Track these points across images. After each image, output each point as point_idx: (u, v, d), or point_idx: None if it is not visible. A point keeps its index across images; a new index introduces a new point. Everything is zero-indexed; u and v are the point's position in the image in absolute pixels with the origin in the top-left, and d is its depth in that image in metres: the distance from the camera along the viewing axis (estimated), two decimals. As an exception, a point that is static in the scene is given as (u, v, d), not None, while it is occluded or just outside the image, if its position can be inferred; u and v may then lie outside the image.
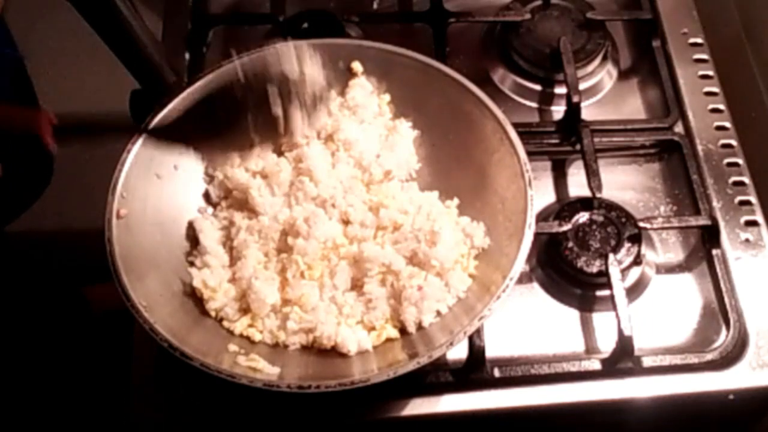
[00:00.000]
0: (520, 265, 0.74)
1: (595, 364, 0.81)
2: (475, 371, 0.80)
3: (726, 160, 0.94)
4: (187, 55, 1.01)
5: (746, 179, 0.93)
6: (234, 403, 0.78)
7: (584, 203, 0.88)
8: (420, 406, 0.79)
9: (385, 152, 0.85)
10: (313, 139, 0.86)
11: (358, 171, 0.85)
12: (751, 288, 0.86)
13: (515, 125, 0.81)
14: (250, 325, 0.78)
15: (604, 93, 1.02)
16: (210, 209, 0.85)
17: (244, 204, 0.83)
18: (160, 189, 0.82)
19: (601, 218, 0.87)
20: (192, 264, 0.80)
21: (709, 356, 0.82)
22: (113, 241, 0.75)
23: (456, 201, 0.84)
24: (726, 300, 0.84)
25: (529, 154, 0.80)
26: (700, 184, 0.92)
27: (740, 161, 0.94)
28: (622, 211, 0.88)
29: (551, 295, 0.87)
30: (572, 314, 0.86)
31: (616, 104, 1.01)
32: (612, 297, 0.81)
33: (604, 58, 1.02)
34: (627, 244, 0.86)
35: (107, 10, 0.75)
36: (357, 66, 0.88)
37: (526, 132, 0.88)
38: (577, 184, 0.93)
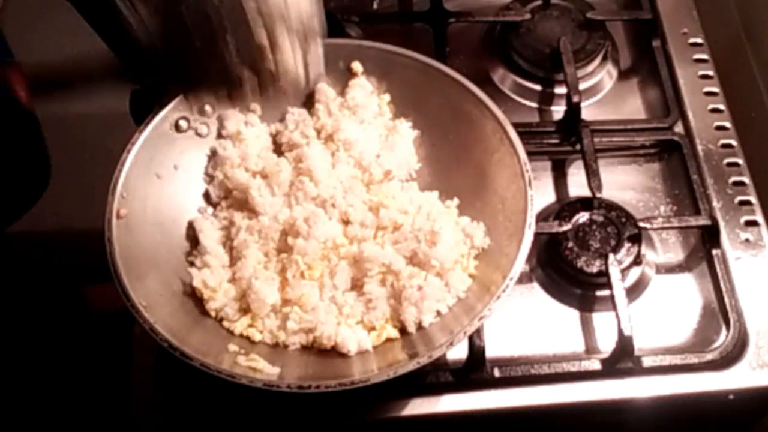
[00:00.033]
0: (520, 265, 0.74)
1: (595, 364, 0.81)
2: (475, 371, 0.80)
3: (726, 160, 0.94)
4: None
5: (746, 179, 0.93)
6: (234, 403, 0.78)
7: (584, 203, 0.88)
8: (420, 406, 0.79)
9: (385, 152, 0.85)
10: (313, 139, 0.86)
11: (358, 171, 0.85)
12: (751, 288, 0.86)
13: (515, 125, 0.81)
14: (250, 325, 0.78)
15: (604, 93, 1.02)
16: (210, 209, 0.85)
17: (244, 204, 0.83)
18: (160, 189, 0.82)
19: (601, 218, 0.87)
20: (192, 264, 0.80)
21: (709, 356, 0.82)
22: (113, 241, 0.75)
23: (456, 201, 0.84)
24: (726, 300, 0.84)
25: (529, 154, 0.80)
26: (700, 184, 0.92)
27: (740, 161, 0.94)
28: (622, 211, 0.88)
29: (551, 295, 0.87)
30: (572, 314, 0.86)
31: (616, 104, 1.01)
32: (612, 297, 0.81)
33: (604, 58, 1.02)
34: (627, 244, 0.86)
35: (107, 10, 0.75)
36: (357, 66, 0.88)
37: (526, 132, 0.88)
38: (577, 184, 0.93)
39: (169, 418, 0.79)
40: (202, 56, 0.72)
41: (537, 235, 0.77)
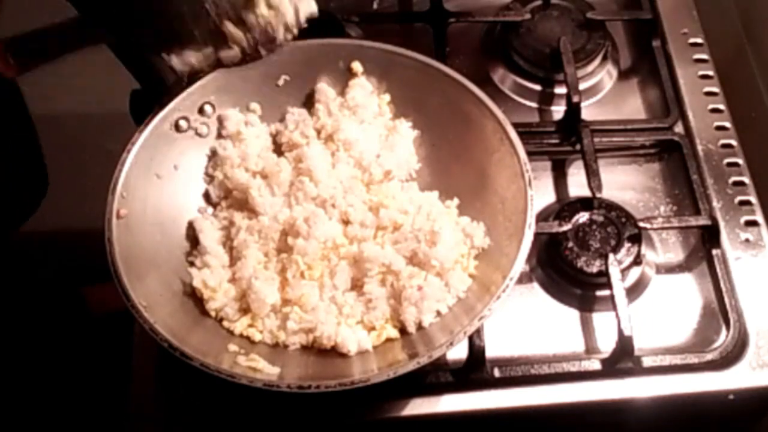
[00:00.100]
0: (520, 265, 0.74)
1: (595, 364, 0.81)
2: (475, 371, 0.80)
3: (726, 160, 0.94)
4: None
5: (746, 179, 0.93)
6: (234, 403, 0.78)
7: (584, 203, 0.88)
8: (420, 406, 0.79)
9: (385, 152, 0.85)
10: (313, 139, 0.86)
11: (358, 171, 0.85)
12: (751, 288, 0.86)
13: (515, 125, 0.81)
14: (250, 325, 0.78)
15: (604, 93, 1.02)
16: (210, 209, 0.85)
17: (244, 204, 0.83)
18: (160, 189, 0.82)
19: (601, 218, 0.87)
20: (192, 264, 0.80)
21: (709, 356, 0.82)
22: (113, 241, 0.75)
23: (456, 201, 0.84)
24: (726, 300, 0.84)
25: (529, 154, 0.80)
26: (700, 184, 0.92)
27: (740, 161, 0.94)
28: (622, 211, 0.88)
29: (551, 295, 0.87)
30: (572, 314, 0.86)
31: (616, 104, 1.01)
32: (612, 297, 0.81)
33: (604, 58, 1.02)
34: (627, 244, 0.86)
35: (107, 10, 0.75)
36: (357, 66, 0.88)
37: (526, 132, 0.88)
38: (577, 184, 0.93)
39: (169, 418, 0.79)
40: (185, 16, 0.70)
41: (537, 235, 0.77)
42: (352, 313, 0.78)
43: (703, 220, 0.88)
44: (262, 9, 0.70)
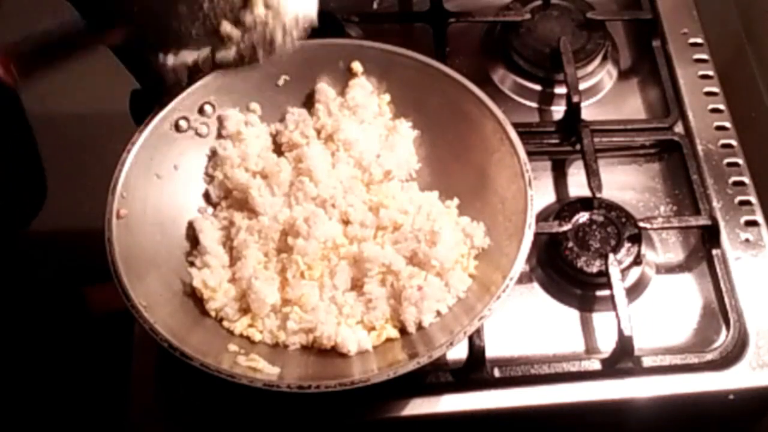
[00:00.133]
0: (520, 265, 0.74)
1: (595, 364, 0.81)
2: (475, 371, 0.80)
3: (726, 160, 0.94)
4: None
5: (746, 179, 0.93)
6: (234, 403, 0.78)
7: (584, 203, 0.88)
8: (420, 406, 0.79)
9: (385, 152, 0.85)
10: (313, 139, 0.86)
11: (358, 171, 0.85)
12: (751, 288, 0.86)
13: (515, 125, 0.81)
14: (250, 325, 0.78)
15: (604, 93, 1.02)
16: (210, 209, 0.85)
17: (244, 204, 0.83)
18: (160, 189, 0.82)
19: (601, 218, 0.87)
20: (192, 264, 0.80)
21: (709, 356, 0.82)
22: (113, 241, 0.75)
23: (456, 201, 0.84)
24: (726, 300, 0.84)
25: (529, 154, 0.80)
26: (700, 184, 0.92)
27: (740, 161, 0.94)
28: (622, 211, 0.88)
29: (551, 295, 0.87)
30: (572, 314, 0.86)
31: (616, 104, 1.01)
32: (612, 297, 0.81)
33: (604, 58, 1.02)
34: (627, 244, 0.86)
35: (106, 10, 0.75)
36: (357, 66, 0.88)
37: (526, 132, 0.88)
38: (577, 184, 0.93)
39: (169, 418, 0.79)
40: (182, 16, 0.70)
41: (537, 235, 0.77)
42: (352, 313, 0.77)
43: (703, 220, 0.88)
44: (260, 9, 0.70)
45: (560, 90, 0.99)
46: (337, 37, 0.97)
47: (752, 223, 0.90)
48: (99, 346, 1.31)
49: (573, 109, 0.94)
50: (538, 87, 1.01)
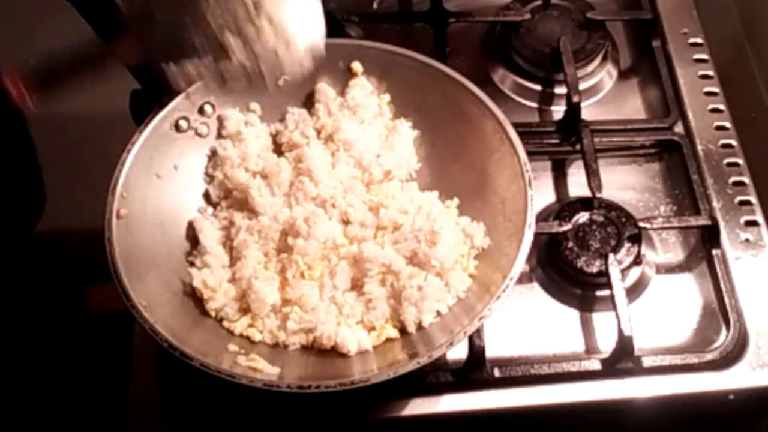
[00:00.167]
0: (520, 265, 0.74)
1: (595, 364, 0.81)
2: (475, 371, 0.80)
3: (726, 160, 0.94)
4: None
5: (746, 179, 0.93)
6: (234, 403, 0.78)
7: (584, 203, 0.88)
8: (420, 406, 0.79)
9: (385, 152, 0.85)
10: (313, 139, 0.86)
11: (358, 171, 0.85)
12: (751, 288, 0.86)
13: (515, 125, 0.81)
14: (250, 325, 0.78)
15: (604, 93, 1.02)
16: (210, 209, 0.85)
17: (244, 204, 0.83)
18: (160, 189, 0.82)
19: (601, 218, 0.87)
20: (192, 264, 0.80)
21: (709, 356, 0.82)
22: (113, 241, 0.75)
23: (456, 201, 0.84)
24: (726, 300, 0.84)
25: (529, 154, 0.80)
26: (700, 184, 0.92)
27: (740, 161, 0.94)
28: (622, 211, 0.88)
29: (551, 295, 0.87)
30: (572, 314, 0.86)
31: (616, 104, 1.01)
32: (612, 297, 0.81)
33: (604, 58, 1.02)
34: (627, 244, 0.86)
35: (107, 10, 0.75)
36: (357, 66, 0.88)
37: (526, 132, 0.88)
38: (577, 184, 0.93)
39: (169, 418, 0.79)
40: (186, 25, 0.70)
41: (537, 235, 0.77)
42: (352, 313, 0.78)
43: (703, 220, 0.88)
44: (263, 22, 0.70)
45: (560, 90, 0.99)
46: (337, 37, 0.97)
47: (752, 223, 0.90)
48: (99, 346, 1.31)
49: (573, 109, 0.94)
50: (538, 87, 1.01)
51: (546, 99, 1.00)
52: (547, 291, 0.87)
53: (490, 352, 0.80)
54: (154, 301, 0.74)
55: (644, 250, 0.87)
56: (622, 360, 0.80)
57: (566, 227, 0.86)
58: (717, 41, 1.04)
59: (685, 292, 0.88)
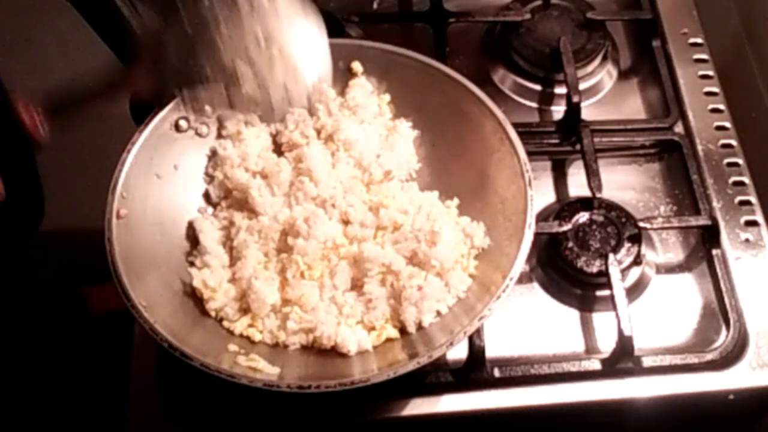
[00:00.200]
0: (520, 265, 0.74)
1: (595, 364, 0.81)
2: (475, 371, 0.80)
3: (726, 160, 0.94)
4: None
5: (746, 179, 0.93)
6: (234, 403, 0.78)
7: (584, 203, 0.88)
8: (420, 406, 0.79)
9: (385, 152, 0.85)
10: (313, 139, 0.86)
11: (358, 171, 0.85)
12: (751, 288, 0.86)
13: (515, 125, 0.81)
14: (250, 325, 0.78)
15: (604, 93, 1.02)
16: (210, 209, 0.85)
17: (244, 204, 0.83)
18: (160, 189, 0.82)
19: (601, 218, 0.87)
20: (192, 264, 0.80)
21: (709, 356, 0.82)
22: (113, 241, 0.75)
23: (456, 201, 0.84)
24: (726, 300, 0.84)
25: (529, 154, 0.80)
26: (700, 184, 0.92)
27: (740, 161, 0.94)
28: (622, 211, 0.88)
29: (551, 295, 0.87)
30: (572, 314, 0.86)
31: (616, 104, 1.01)
32: (612, 297, 0.81)
33: (604, 58, 1.02)
34: (627, 244, 0.86)
35: (107, 10, 0.75)
36: (357, 66, 0.88)
37: (526, 132, 0.88)
38: (577, 184, 0.93)
39: (169, 418, 0.79)
40: (198, 53, 0.71)
41: (537, 235, 0.77)
42: (352, 313, 0.77)
43: (703, 220, 0.88)
44: (273, 55, 0.71)
45: (560, 90, 0.99)
46: (337, 37, 0.97)
47: (752, 223, 0.90)
48: (99, 346, 1.31)
49: (573, 109, 0.94)
50: (538, 87, 1.01)
51: (546, 99, 1.00)
52: (547, 291, 0.87)
53: (490, 352, 0.80)
54: (154, 301, 0.74)
55: (644, 250, 0.87)
56: (622, 360, 0.80)
57: (566, 227, 0.86)
58: (717, 41, 1.04)
59: (685, 292, 0.88)
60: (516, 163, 0.79)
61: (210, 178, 0.85)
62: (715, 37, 1.04)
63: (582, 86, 0.97)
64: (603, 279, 0.84)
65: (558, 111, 0.99)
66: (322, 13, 0.99)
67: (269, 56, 0.71)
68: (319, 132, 0.87)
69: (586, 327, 0.85)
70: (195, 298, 0.79)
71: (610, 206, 0.88)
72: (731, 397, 0.81)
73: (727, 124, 0.97)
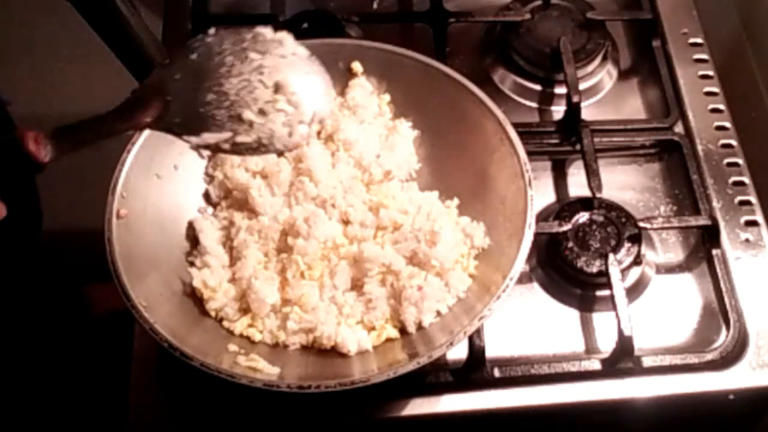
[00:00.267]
0: (520, 265, 0.74)
1: (595, 364, 0.81)
2: (475, 371, 0.80)
3: (726, 160, 0.94)
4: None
5: (746, 179, 0.93)
6: (234, 403, 0.78)
7: (584, 203, 0.88)
8: (420, 406, 0.79)
9: (385, 152, 0.85)
10: (313, 139, 0.86)
11: (358, 171, 0.85)
12: (751, 288, 0.86)
13: (515, 125, 0.81)
14: (250, 325, 0.78)
15: (604, 93, 1.02)
16: (210, 209, 0.85)
17: (244, 204, 0.83)
18: (160, 189, 0.82)
19: (601, 218, 0.87)
20: (192, 264, 0.80)
21: (709, 356, 0.82)
22: (113, 241, 0.75)
23: (456, 201, 0.84)
24: (726, 300, 0.84)
25: (529, 154, 0.80)
26: (700, 184, 0.92)
27: (740, 161, 0.94)
28: (622, 211, 0.88)
29: (551, 295, 0.87)
30: (572, 314, 0.86)
31: (616, 104, 1.01)
32: (612, 297, 0.81)
33: (604, 58, 1.02)
34: (627, 244, 0.86)
35: (107, 10, 0.75)
36: (357, 66, 0.88)
37: (526, 132, 0.88)
38: (577, 184, 0.93)
39: (169, 418, 0.79)
40: (210, 104, 0.73)
41: (537, 235, 0.77)
42: (352, 313, 0.77)
43: (703, 220, 0.88)
44: (283, 104, 0.72)
45: (560, 90, 0.99)
46: (337, 37, 0.97)
47: (752, 223, 0.90)
48: (99, 346, 1.31)
49: (573, 109, 0.94)
50: (538, 87, 1.01)
51: (546, 99, 1.00)
52: (547, 291, 0.87)
53: (490, 352, 0.80)
54: (154, 301, 0.74)
55: (644, 250, 0.87)
56: (622, 360, 0.80)
57: (566, 227, 0.86)
58: (717, 41, 1.04)
59: (685, 292, 0.88)
60: (516, 163, 0.79)
61: (210, 178, 0.85)
62: (715, 37, 1.04)
63: (582, 86, 0.97)
64: (603, 279, 0.84)
65: (558, 111, 0.99)
66: (322, 13, 0.99)
67: (278, 107, 0.72)
68: (319, 132, 0.87)
69: (586, 327, 0.85)
70: (195, 298, 0.79)
71: (610, 206, 0.88)
72: (731, 397, 0.81)
73: (727, 124, 0.97)
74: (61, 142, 0.67)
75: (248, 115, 0.71)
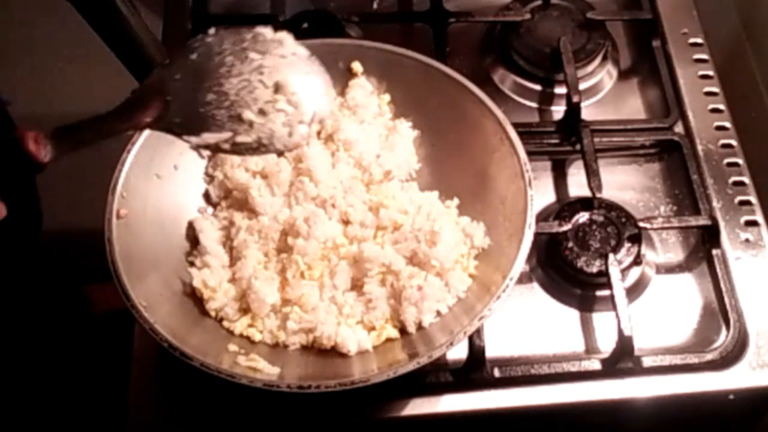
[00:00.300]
0: (520, 265, 0.74)
1: (595, 364, 0.81)
2: (475, 371, 0.80)
3: (726, 160, 0.94)
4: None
5: (746, 179, 0.93)
6: (234, 403, 0.78)
7: (584, 203, 0.88)
8: (420, 406, 0.79)
9: (385, 152, 0.85)
10: (313, 139, 0.86)
11: (358, 171, 0.85)
12: (751, 288, 0.86)
13: (515, 125, 0.81)
14: (250, 325, 0.78)
15: (604, 93, 1.02)
16: (210, 209, 0.85)
17: (244, 204, 0.83)
18: (160, 189, 0.82)
19: (601, 218, 0.87)
20: (192, 264, 0.80)
21: (709, 356, 0.82)
22: (113, 241, 0.75)
23: (456, 201, 0.84)
24: (726, 300, 0.84)
25: (529, 154, 0.80)
26: (700, 184, 0.92)
27: (740, 161, 0.94)
28: (622, 211, 0.88)
29: (551, 295, 0.87)
30: (572, 314, 0.86)
31: (616, 104, 1.01)
32: (612, 297, 0.81)
33: (604, 58, 1.02)
34: (627, 244, 0.86)
35: (107, 10, 0.75)
36: (357, 66, 0.88)
37: (526, 132, 0.88)
38: (577, 184, 0.93)
39: (169, 418, 0.79)
40: (210, 104, 0.73)
41: (537, 235, 0.77)
42: (352, 313, 0.77)
43: (703, 220, 0.88)
44: (283, 105, 0.72)
45: (560, 90, 0.99)
46: (337, 37, 0.97)
47: (752, 223, 0.90)
48: (99, 346, 1.31)
49: (573, 109, 0.94)
50: (538, 87, 1.01)
51: (546, 99, 1.00)
52: (547, 291, 0.87)
53: (490, 352, 0.80)
54: (154, 301, 0.74)
55: (644, 250, 0.87)
56: (622, 360, 0.80)
57: (566, 227, 0.86)
58: (717, 41, 1.04)
59: (685, 292, 0.88)
60: (516, 163, 0.79)
61: (210, 178, 0.85)
62: (715, 37, 1.04)
63: (582, 86, 0.97)
64: (603, 279, 0.84)
65: (558, 111, 0.99)
66: (322, 13, 0.99)
67: (278, 107, 0.72)
68: (319, 132, 0.87)
69: (586, 327, 0.85)
70: (195, 298, 0.79)
71: (610, 206, 0.88)
72: (731, 397, 0.81)
73: (727, 124, 0.97)
74: (61, 142, 0.67)
75: (248, 115, 0.72)
